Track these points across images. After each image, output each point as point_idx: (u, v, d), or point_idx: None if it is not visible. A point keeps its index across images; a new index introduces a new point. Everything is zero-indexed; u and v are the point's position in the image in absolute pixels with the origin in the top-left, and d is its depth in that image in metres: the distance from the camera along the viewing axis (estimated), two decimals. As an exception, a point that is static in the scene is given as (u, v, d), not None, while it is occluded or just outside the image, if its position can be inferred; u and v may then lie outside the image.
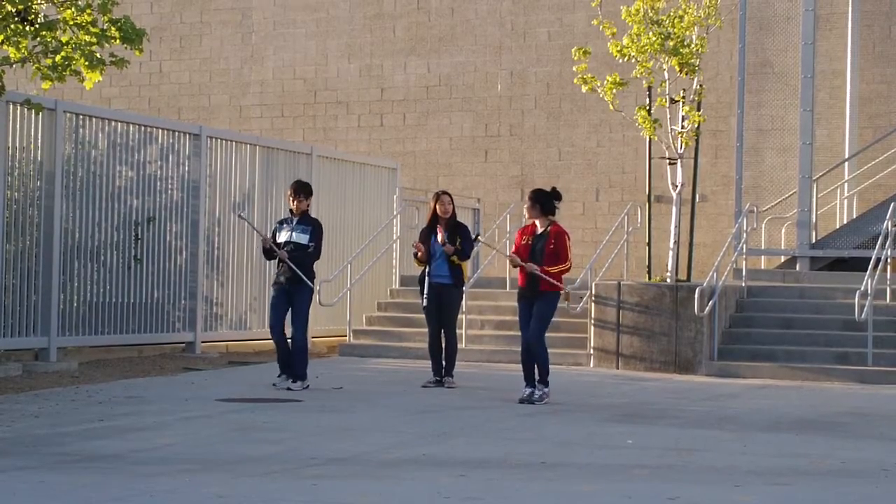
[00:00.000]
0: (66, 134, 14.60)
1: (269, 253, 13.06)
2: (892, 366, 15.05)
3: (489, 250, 19.15)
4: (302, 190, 13.06)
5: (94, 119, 15.18)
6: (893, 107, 20.60)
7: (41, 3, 12.60)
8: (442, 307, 13.41)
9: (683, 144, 16.81)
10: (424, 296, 13.40)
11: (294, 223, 13.00)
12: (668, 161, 17.03)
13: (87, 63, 12.55)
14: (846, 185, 20.27)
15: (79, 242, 14.82)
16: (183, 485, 7.67)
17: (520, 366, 12.36)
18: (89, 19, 12.68)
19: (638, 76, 16.91)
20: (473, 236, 13.68)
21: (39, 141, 14.34)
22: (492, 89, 22.68)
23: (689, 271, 17.37)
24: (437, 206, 13.48)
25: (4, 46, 12.71)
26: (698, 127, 16.85)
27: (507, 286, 17.68)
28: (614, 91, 16.89)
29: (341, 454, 8.84)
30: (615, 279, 16.57)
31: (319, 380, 13.44)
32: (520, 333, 12.36)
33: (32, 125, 14.24)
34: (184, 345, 16.34)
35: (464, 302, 14.83)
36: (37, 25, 12.54)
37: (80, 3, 12.71)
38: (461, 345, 15.14)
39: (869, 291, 14.98)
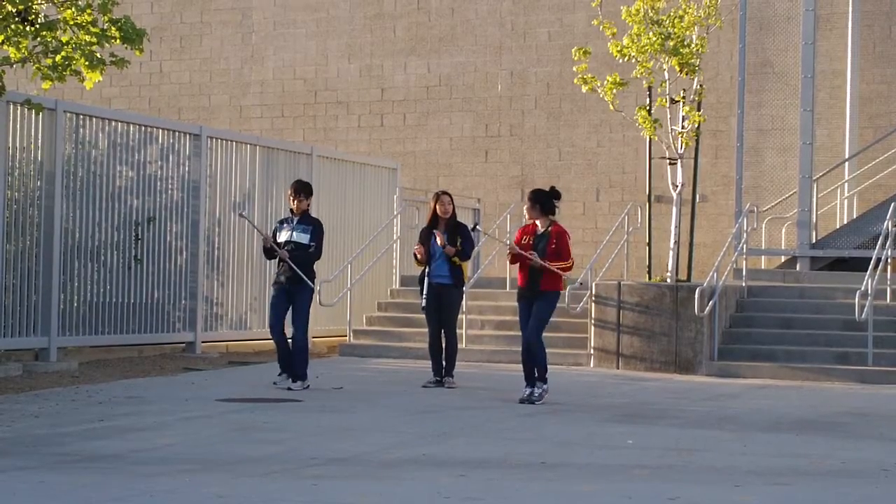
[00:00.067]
0: (66, 134, 14.60)
1: (269, 252, 13.06)
2: (893, 366, 15.05)
3: (489, 251, 19.16)
4: (302, 190, 13.06)
5: (94, 119, 15.18)
6: (893, 107, 20.60)
7: (41, 4, 12.60)
8: (442, 307, 13.41)
9: (684, 144, 16.81)
10: (423, 296, 13.40)
11: (294, 223, 13.00)
12: (668, 161, 17.03)
13: (87, 63, 12.55)
14: (846, 185, 20.28)
15: (79, 242, 14.82)
16: (183, 485, 7.67)
17: (520, 366, 12.36)
18: (89, 19, 12.68)
19: (638, 76, 16.91)
20: (472, 225, 13.66)
21: (40, 141, 14.34)
22: (492, 89, 22.68)
23: (689, 271, 17.37)
24: (437, 207, 13.48)
25: (5, 46, 12.71)
26: (698, 127, 16.85)
27: (507, 286, 17.68)
28: (614, 91, 16.89)
29: (341, 454, 8.84)
30: (615, 279, 16.57)
31: (319, 380, 13.44)
32: (520, 333, 12.37)
33: (33, 125, 14.24)
34: (184, 345, 16.34)
35: (464, 302, 14.83)
36: (37, 25, 12.54)
37: (80, 3, 12.71)
38: (461, 345, 15.14)
39: (869, 291, 14.97)
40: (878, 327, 15.24)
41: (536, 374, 12.06)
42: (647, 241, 17.56)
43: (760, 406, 12.49)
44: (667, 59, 16.62)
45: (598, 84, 17.00)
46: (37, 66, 12.67)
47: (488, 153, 22.69)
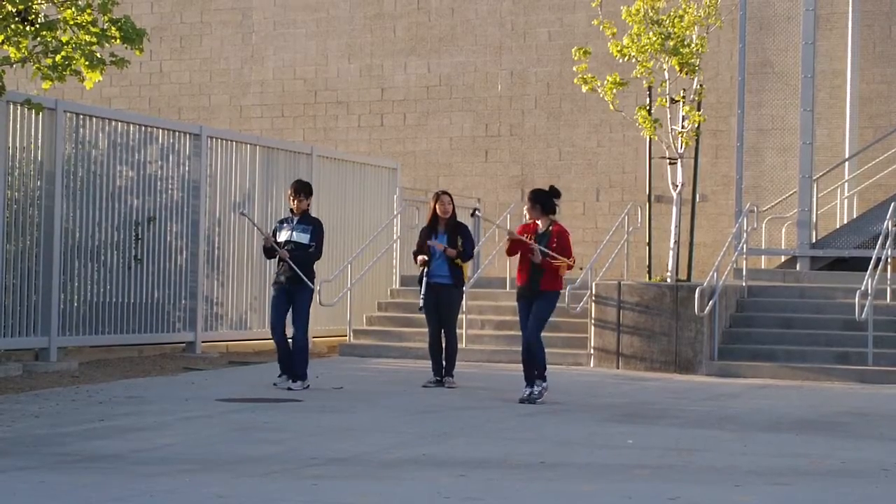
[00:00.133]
0: (66, 134, 14.60)
1: (269, 252, 13.05)
2: (893, 366, 15.05)
3: (490, 250, 19.16)
4: (302, 189, 13.06)
5: (94, 119, 15.18)
6: (893, 107, 20.60)
7: (41, 3, 12.60)
8: (442, 307, 13.41)
9: (684, 144, 16.81)
10: (421, 296, 13.39)
11: (294, 223, 13.00)
12: (668, 161, 17.03)
13: (87, 63, 12.55)
14: (846, 184, 20.27)
15: (79, 242, 14.82)
16: (183, 485, 7.67)
17: (520, 366, 12.36)
18: (89, 19, 12.67)
19: (638, 76, 16.91)
20: (471, 211, 13.59)
21: (40, 141, 14.34)
22: (492, 89, 22.68)
23: (689, 271, 17.37)
24: (437, 206, 13.48)
25: (5, 46, 12.71)
26: (698, 127, 16.85)
27: (507, 286, 17.68)
28: (614, 91, 16.89)
29: (341, 454, 8.84)
30: (615, 279, 16.57)
31: (320, 380, 13.45)
32: (520, 333, 12.37)
33: (33, 125, 14.24)
34: (184, 345, 16.34)
35: (464, 302, 14.83)
36: (37, 25, 12.53)
37: (80, 2, 12.71)
38: (461, 345, 15.14)
39: (869, 291, 14.98)
40: (878, 327, 15.24)
41: (536, 373, 12.06)
42: (647, 240, 17.56)
43: (760, 406, 12.49)
44: (667, 58, 16.62)
45: (598, 84, 17.00)
46: (37, 65, 12.67)
47: (488, 153, 22.69)
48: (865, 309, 14.72)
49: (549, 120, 22.31)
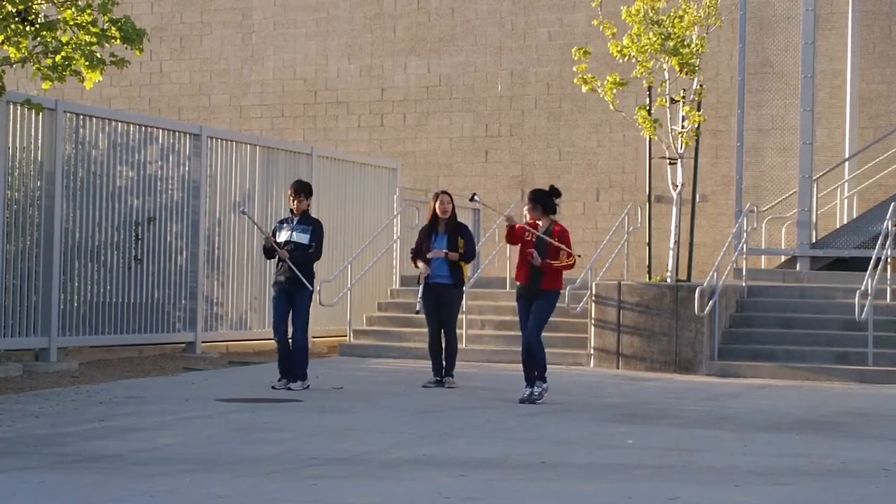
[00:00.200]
0: (66, 134, 14.60)
1: (269, 252, 13.05)
2: (893, 366, 15.05)
3: (490, 250, 19.17)
4: (302, 190, 13.06)
5: (94, 119, 15.18)
6: (894, 107, 20.61)
7: (41, 4, 12.59)
8: (442, 307, 13.41)
9: (683, 144, 16.81)
10: (419, 299, 13.38)
11: (294, 223, 13.00)
12: (668, 161, 17.03)
13: (87, 63, 12.55)
14: (846, 184, 20.28)
15: (79, 242, 14.82)
16: (183, 485, 7.67)
17: (520, 366, 12.36)
18: (89, 19, 12.67)
19: (638, 76, 16.91)
20: (470, 196, 13.54)
21: (40, 141, 14.34)
22: (492, 89, 22.69)
23: (689, 271, 17.37)
24: (437, 206, 13.47)
25: (5, 47, 12.71)
26: (698, 127, 16.85)
27: (507, 286, 17.68)
28: (614, 91, 16.89)
29: (342, 454, 8.84)
30: (615, 279, 16.57)
31: (320, 380, 13.45)
32: (520, 333, 12.37)
33: (33, 125, 14.24)
34: (184, 345, 16.34)
35: (464, 302, 14.83)
36: (37, 25, 12.53)
37: (80, 3, 12.71)
38: (461, 345, 15.14)
39: (869, 291, 14.98)
40: (878, 327, 15.24)
41: (536, 374, 12.06)
42: (647, 240, 17.56)
43: (760, 406, 12.49)
44: (667, 59, 16.62)
45: (598, 84, 17.00)
46: (37, 66, 12.67)
47: (488, 153, 22.69)
48: (865, 309, 14.72)
49: (549, 120, 22.31)
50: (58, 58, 12.51)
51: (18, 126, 14.08)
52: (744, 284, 17.18)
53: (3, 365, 13.44)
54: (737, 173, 18.75)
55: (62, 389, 12.45)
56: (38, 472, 8.02)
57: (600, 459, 8.90)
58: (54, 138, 14.38)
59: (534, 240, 12.02)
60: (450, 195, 13.64)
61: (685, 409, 12.05)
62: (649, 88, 17.06)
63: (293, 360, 12.84)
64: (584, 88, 17.09)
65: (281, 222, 13.25)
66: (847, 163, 20.03)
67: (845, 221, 19.82)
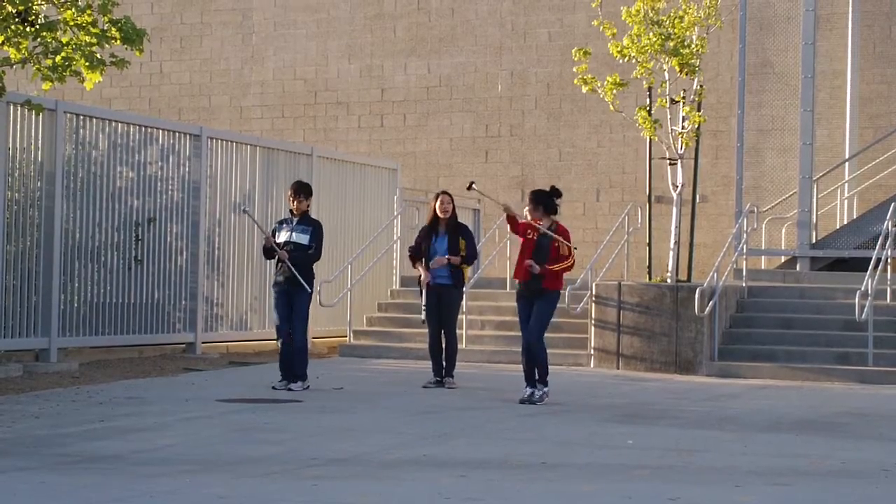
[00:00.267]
0: (66, 134, 14.61)
1: (269, 252, 13.04)
2: (893, 366, 15.06)
3: (490, 251, 19.16)
4: (302, 190, 13.06)
5: (94, 120, 15.18)
6: (894, 107, 20.61)
7: (42, 4, 12.60)
8: (442, 307, 13.41)
9: (684, 145, 16.81)
10: (423, 308, 13.37)
11: (294, 223, 13.00)
12: (668, 161, 17.03)
13: (87, 64, 12.55)
14: (846, 185, 20.28)
15: (79, 243, 14.82)
16: (183, 485, 7.67)
17: (520, 366, 12.36)
18: (90, 20, 12.67)
19: (638, 77, 16.91)
20: (468, 185, 13.50)
21: (40, 142, 14.35)
22: (492, 90, 22.69)
23: (689, 272, 17.37)
24: (437, 207, 13.47)
25: (5, 47, 12.71)
26: (698, 127, 16.85)
27: (508, 286, 17.68)
28: (614, 91, 16.89)
29: (342, 455, 8.85)
30: (616, 279, 16.58)
31: (320, 380, 13.45)
32: (520, 334, 12.37)
33: (33, 126, 14.24)
34: (184, 345, 16.34)
35: (464, 302, 14.83)
36: (37, 26, 12.53)
37: (80, 3, 12.71)
38: (461, 345, 15.14)
39: (869, 291, 14.98)
40: (878, 327, 15.24)
41: (537, 376, 12.06)
42: (648, 241, 17.56)
43: (761, 406, 12.50)
44: (667, 59, 16.62)
45: (599, 84, 17.00)
46: (37, 66, 12.67)
47: (488, 153, 22.69)
48: (865, 309, 14.72)
49: (550, 120, 22.31)
50: (58, 58, 12.51)
51: (19, 127, 14.08)
52: (744, 285, 17.18)
53: (3, 365, 13.44)
54: (737, 174, 18.75)
55: (62, 390, 12.46)
56: (39, 472, 8.02)
57: (600, 460, 8.90)
58: (54, 139, 14.38)
59: (535, 238, 12.03)
60: (450, 195, 13.64)
61: (685, 410, 12.05)
62: (649, 89, 17.06)
63: (293, 360, 12.84)
64: (585, 89, 17.09)
65: (280, 223, 13.24)
66: (847, 163, 20.03)
67: (845, 222, 19.82)
